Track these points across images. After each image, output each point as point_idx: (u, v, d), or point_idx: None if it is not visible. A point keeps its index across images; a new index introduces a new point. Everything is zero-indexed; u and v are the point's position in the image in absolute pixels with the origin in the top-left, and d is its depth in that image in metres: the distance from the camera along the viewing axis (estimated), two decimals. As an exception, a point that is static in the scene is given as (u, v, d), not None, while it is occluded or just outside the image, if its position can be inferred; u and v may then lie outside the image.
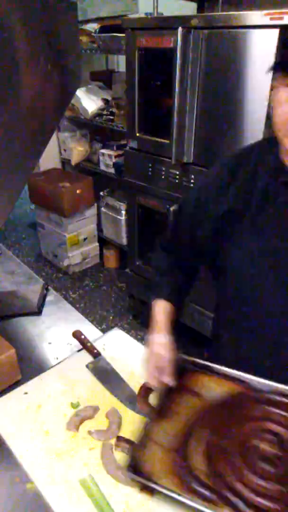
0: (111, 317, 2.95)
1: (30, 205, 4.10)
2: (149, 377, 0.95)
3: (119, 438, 0.93)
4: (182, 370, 1.00)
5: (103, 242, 3.53)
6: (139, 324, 2.85)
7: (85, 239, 3.42)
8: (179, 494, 0.76)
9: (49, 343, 1.27)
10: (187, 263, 1.12)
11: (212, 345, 1.21)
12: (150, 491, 0.83)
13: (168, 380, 0.94)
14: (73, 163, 3.41)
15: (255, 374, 0.97)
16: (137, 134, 2.34)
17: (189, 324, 2.51)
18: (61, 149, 3.55)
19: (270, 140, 0.91)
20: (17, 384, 1.10)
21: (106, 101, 3.08)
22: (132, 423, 0.98)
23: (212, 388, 0.97)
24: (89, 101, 3.06)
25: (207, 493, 0.75)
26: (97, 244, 3.56)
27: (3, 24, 0.71)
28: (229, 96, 1.80)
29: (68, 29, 0.95)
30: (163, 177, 2.27)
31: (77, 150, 3.37)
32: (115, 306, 3.06)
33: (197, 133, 2.01)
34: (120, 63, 3.61)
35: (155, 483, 0.79)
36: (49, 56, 0.87)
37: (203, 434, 0.86)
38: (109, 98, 3.07)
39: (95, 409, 1.01)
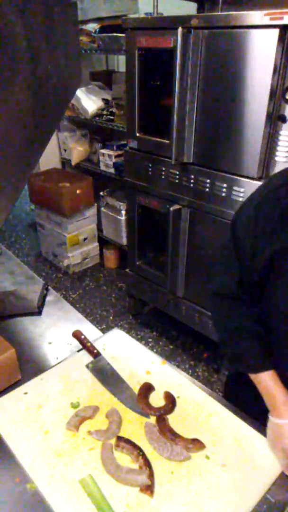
0: (111, 317, 2.95)
1: (30, 205, 4.10)
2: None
3: (119, 438, 0.93)
4: None
5: (103, 242, 3.53)
6: (139, 324, 2.85)
7: (85, 239, 3.42)
8: None
9: (49, 343, 1.27)
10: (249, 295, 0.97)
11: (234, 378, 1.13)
12: (150, 491, 0.83)
13: None
14: (73, 163, 3.41)
15: None
16: (137, 134, 2.34)
17: (190, 325, 2.51)
18: (61, 149, 3.55)
19: None
20: (17, 384, 1.10)
21: (106, 101, 3.08)
22: (132, 423, 0.99)
23: None
24: (89, 101, 3.06)
25: None
26: (97, 244, 3.56)
27: (3, 24, 0.71)
28: (229, 96, 1.80)
29: (68, 29, 0.95)
30: (163, 177, 2.27)
31: (77, 150, 3.37)
32: (115, 306, 3.06)
33: (197, 133, 2.01)
34: (120, 63, 3.61)
35: None
36: (49, 56, 0.87)
37: None
38: (109, 98, 3.07)
39: (95, 409, 1.01)
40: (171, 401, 1.03)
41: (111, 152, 3.09)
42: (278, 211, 0.83)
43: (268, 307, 0.95)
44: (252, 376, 0.95)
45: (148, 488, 0.84)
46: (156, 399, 1.05)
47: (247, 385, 0.99)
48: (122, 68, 3.36)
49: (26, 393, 1.06)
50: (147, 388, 1.07)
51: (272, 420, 0.90)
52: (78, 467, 0.88)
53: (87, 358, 1.18)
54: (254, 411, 0.98)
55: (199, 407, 1.03)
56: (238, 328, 0.96)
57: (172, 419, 1.00)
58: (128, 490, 0.84)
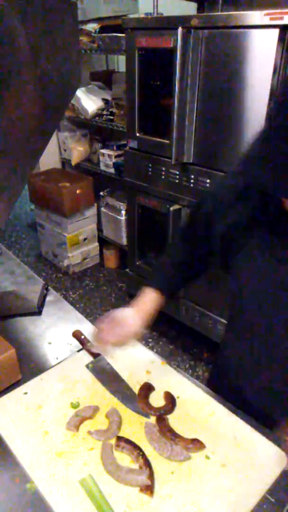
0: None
1: (30, 205, 4.10)
2: (104, 331, 1.02)
3: (119, 438, 0.93)
4: None
5: (103, 242, 3.53)
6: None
7: (85, 239, 3.42)
8: None
9: (49, 343, 1.27)
10: (199, 257, 1.10)
11: (219, 353, 1.20)
12: (150, 492, 0.83)
13: (114, 342, 1.01)
14: (73, 163, 3.41)
15: (252, 388, 1.01)
16: (137, 134, 2.34)
17: (190, 325, 2.51)
18: (61, 149, 3.55)
19: None
20: (17, 384, 1.10)
21: (106, 101, 3.08)
22: (132, 423, 0.99)
23: None
24: (89, 101, 3.06)
25: None
26: (97, 244, 3.56)
27: (3, 24, 0.71)
28: (229, 96, 1.81)
29: (68, 29, 0.95)
30: (163, 177, 2.27)
31: (77, 150, 3.37)
32: (115, 306, 3.04)
33: (197, 133, 2.01)
34: (120, 63, 3.61)
35: None
36: (49, 56, 0.87)
37: None
38: (109, 98, 3.07)
39: (95, 409, 1.01)
40: (171, 401, 1.03)
41: (111, 152, 3.09)
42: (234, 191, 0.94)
43: (235, 286, 1.00)
44: (143, 289, 1.09)
45: (148, 488, 0.84)
46: (156, 399, 1.05)
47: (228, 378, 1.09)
48: (122, 68, 3.36)
49: (26, 393, 1.06)
50: (147, 388, 1.07)
51: (125, 308, 1.06)
52: (78, 467, 0.88)
53: (87, 358, 1.18)
54: (233, 401, 1.05)
55: (199, 407, 1.03)
56: (168, 255, 1.15)
57: (172, 419, 1.00)
58: (128, 491, 0.84)
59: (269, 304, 0.91)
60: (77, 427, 0.97)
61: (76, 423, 0.97)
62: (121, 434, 0.95)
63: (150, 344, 2.65)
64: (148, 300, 1.06)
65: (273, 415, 1.01)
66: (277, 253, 0.88)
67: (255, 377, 1.02)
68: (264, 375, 1.00)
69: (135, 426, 0.98)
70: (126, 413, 1.01)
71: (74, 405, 1.03)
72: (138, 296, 1.07)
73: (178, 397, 1.05)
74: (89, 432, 0.96)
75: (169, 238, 2.28)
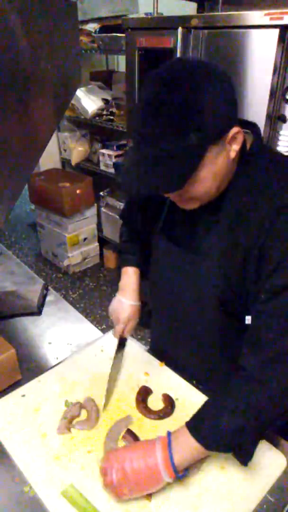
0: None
1: (30, 205, 4.10)
2: (116, 327, 1.16)
3: (128, 431, 0.94)
4: None
5: (103, 242, 3.53)
6: (139, 324, 2.84)
7: (85, 239, 3.42)
8: None
9: (49, 343, 1.27)
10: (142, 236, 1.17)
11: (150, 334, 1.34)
12: (148, 496, 0.83)
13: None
14: (73, 163, 3.41)
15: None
16: (137, 134, 2.33)
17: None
18: (61, 149, 3.55)
19: None
20: (17, 384, 1.10)
21: (106, 101, 3.08)
22: (110, 410, 1.02)
23: None
24: (89, 101, 3.06)
25: None
26: (97, 244, 3.56)
27: (3, 24, 0.71)
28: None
29: (68, 29, 0.95)
30: (163, 177, 2.27)
31: (77, 150, 3.37)
32: (115, 306, 3.06)
33: (197, 133, 2.01)
34: (120, 63, 3.60)
35: None
36: (49, 56, 0.87)
37: None
38: (109, 98, 3.07)
39: (80, 406, 1.02)
40: (170, 403, 1.03)
41: (111, 152, 3.09)
42: None
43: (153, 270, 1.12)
44: (123, 269, 1.19)
45: None
46: (155, 402, 1.05)
47: None
48: (122, 68, 3.35)
49: (23, 395, 1.06)
50: (145, 392, 1.06)
51: (118, 296, 1.17)
52: (75, 470, 0.88)
53: (86, 358, 1.18)
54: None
55: (198, 408, 1.02)
56: (124, 232, 1.24)
57: (171, 422, 0.99)
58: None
59: (173, 287, 1.01)
60: (68, 428, 0.96)
61: (66, 425, 0.97)
62: (103, 419, 0.99)
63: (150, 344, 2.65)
64: (130, 279, 1.17)
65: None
66: (172, 237, 0.98)
67: (178, 356, 1.13)
68: (183, 353, 1.11)
69: (115, 409, 1.02)
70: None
71: (68, 406, 1.03)
72: (121, 280, 1.19)
73: (177, 399, 1.05)
74: (72, 426, 0.97)
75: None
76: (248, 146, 0.83)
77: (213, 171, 0.75)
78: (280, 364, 0.77)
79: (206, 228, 0.91)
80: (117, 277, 1.21)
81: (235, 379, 0.81)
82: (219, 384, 0.86)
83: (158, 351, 1.21)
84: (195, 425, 0.80)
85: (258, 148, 0.84)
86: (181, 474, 0.80)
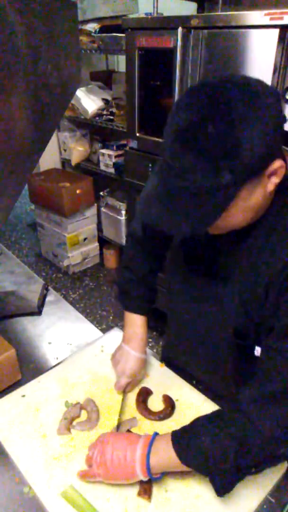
0: (111, 317, 2.95)
1: (30, 205, 4.10)
2: (121, 380, 1.05)
3: (127, 431, 0.94)
4: None
5: (103, 242, 3.53)
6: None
7: (85, 239, 3.42)
8: None
9: (49, 343, 1.27)
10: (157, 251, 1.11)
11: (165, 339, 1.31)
12: (148, 496, 0.83)
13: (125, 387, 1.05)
14: (73, 163, 3.41)
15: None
16: (137, 134, 2.34)
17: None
18: (61, 149, 3.55)
19: None
20: (17, 384, 1.10)
21: (106, 101, 3.08)
22: (111, 411, 1.01)
23: None
24: (89, 101, 3.06)
25: None
26: (97, 244, 3.56)
27: (4, 24, 0.71)
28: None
29: (68, 29, 0.95)
30: (163, 177, 2.26)
31: (77, 150, 3.36)
32: (115, 306, 3.06)
33: (197, 133, 2.01)
34: (120, 63, 3.60)
35: None
36: (49, 56, 0.86)
37: None
38: (109, 98, 3.07)
39: (80, 406, 1.01)
40: (170, 404, 1.02)
41: (111, 152, 3.09)
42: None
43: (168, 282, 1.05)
44: (126, 313, 1.09)
45: (146, 493, 0.83)
46: (155, 403, 1.05)
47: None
48: (122, 68, 3.35)
49: (23, 395, 1.06)
50: (145, 393, 1.06)
51: (124, 346, 1.07)
52: (75, 471, 0.88)
53: (86, 359, 1.18)
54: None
55: (198, 410, 1.02)
56: (127, 267, 1.10)
57: (172, 423, 0.99)
58: (126, 495, 0.84)
59: (190, 308, 0.97)
60: (68, 429, 0.96)
61: (67, 425, 0.97)
62: (103, 420, 0.98)
63: (150, 344, 2.65)
64: (139, 329, 1.08)
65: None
66: (192, 257, 0.93)
67: (191, 366, 1.11)
68: (196, 370, 1.10)
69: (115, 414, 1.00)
70: (106, 401, 1.04)
71: (68, 407, 1.03)
72: (126, 326, 1.10)
73: (177, 400, 1.04)
74: (72, 426, 0.96)
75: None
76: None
77: (246, 206, 0.68)
78: (276, 405, 0.74)
79: (229, 254, 0.85)
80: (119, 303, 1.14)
81: (228, 409, 0.80)
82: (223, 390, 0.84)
83: (170, 363, 1.18)
84: (178, 436, 0.80)
85: None
86: (155, 476, 0.81)
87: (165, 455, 0.80)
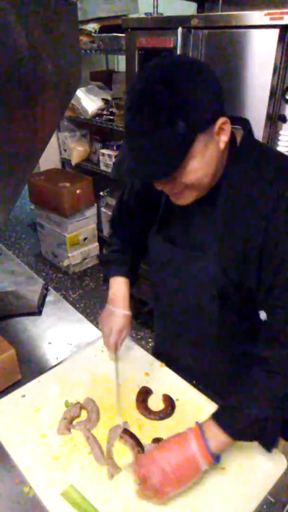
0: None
1: (30, 205, 4.10)
2: (110, 339, 1.09)
3: (125, 431, 0.94)
4: None
5: (103, 242, 3.53)
6: (139, 324, 2.84)
7: (85, 239, 3.42)
8: None
9: (49, 343, 1.27)
10: (138, 237, 1.15)
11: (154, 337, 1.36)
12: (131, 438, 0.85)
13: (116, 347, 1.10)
14: (73, 163, 3.41)
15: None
16: (137, 134, 2.33)
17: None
18: (61, 149, 3.55)
19: None
20: (17, 384, 1.10)
21: (106, 101, 3.08)
22: (111, 411, 1.01)
23: None
24: (89, 101, 3.06)
25: None
26: (97, 244, 3.56)
27: (3, 24, 0.71)
28: (229, 96, 1.80)
29: (68, 29, 0.95)
30: (163, 177, 2.26)
31: (77, 150, 3.36)
32: (115, 306, 3.06)
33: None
34: (120, 63, 3.60)
35: None
36: (49, 56, 0.86)
37: None
38: (109, 98, 3.07)
39: (80, 406, 1.01)
40: (170, 404, 1.03)
41: (111, 152, 3.09)
42: None
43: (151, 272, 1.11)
44: (110, 280, 1.15)
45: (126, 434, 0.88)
46: (155, 402, 1.05)
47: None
48: (122, 68, 3.35)
49: (23, 395, 1.06)
50: (145, 393, 1.06)
51: (109, 306, 1.12)
52: (75, 471, 0.88)
53: (86, 358, 1.18)
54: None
55: (198, 409, 1.03)
56: (110, 243, 1.23)
57: (172, 422, 0.99)
58: (126, 494, 0.84)
59: (172, 285, 1.02)
60: (68, 429, 0.96)
61: (66, 425, 0.97)
62: (102, 420, 0.98)
63: (150, 344, 2.65)
64: (121, 289, 1.14)
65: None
66: (168, 236, 0.99)
67: (179, 357, 1.15)
68: (184, 353, 1.13)
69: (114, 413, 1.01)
70: (106, 401, 1.04)
71: (67, 407, 1.03)
72: (109, 290, 1.15)
73: (177, 400, 1.05)
74: (72, 426, 0.96)
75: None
76: (238, 141, 0.85)
77: (203, 161, 0.77)
78: None
79: (201, 225, 0.92)
80: (106, 289, 1.18)
81: (258, 371, 0.83)
82: (219, 385, 0.86)
83: (161, 354, 1.21)
84: (224, 416, 0.83)
85: (248, 143, 0.85)
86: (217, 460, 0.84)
87: (220, 439, 0.82)
